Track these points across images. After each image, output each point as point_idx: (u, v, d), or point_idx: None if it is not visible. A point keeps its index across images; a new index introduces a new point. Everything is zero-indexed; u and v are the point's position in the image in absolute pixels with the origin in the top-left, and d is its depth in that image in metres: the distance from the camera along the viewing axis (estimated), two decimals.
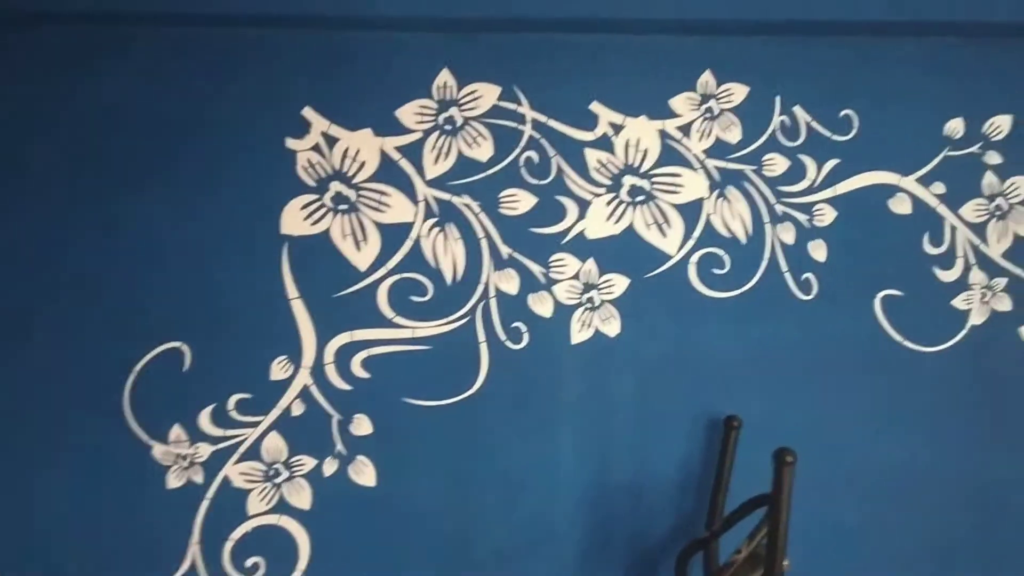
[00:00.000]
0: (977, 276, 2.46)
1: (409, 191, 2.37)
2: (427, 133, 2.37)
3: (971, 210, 2.46)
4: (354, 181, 2.36)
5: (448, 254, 2.36)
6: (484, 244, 2.37)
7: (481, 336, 2.36)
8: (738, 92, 2.43)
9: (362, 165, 2.36)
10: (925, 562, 2.45)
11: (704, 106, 2.42)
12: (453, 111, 2.38)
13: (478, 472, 2.38)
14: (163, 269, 2.31)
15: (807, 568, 2.34)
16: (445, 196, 2.37)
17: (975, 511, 2.48)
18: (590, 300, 2.39)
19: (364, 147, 2.36)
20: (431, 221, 2.36)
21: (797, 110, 2.44)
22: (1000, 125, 2.46)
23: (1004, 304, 2.47)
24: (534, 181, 2.38)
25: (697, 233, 2.42)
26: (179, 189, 2.33)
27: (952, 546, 2.46)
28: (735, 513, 2.14)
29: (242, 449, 2.32)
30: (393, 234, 2.35)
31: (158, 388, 2.29)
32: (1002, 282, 2.47)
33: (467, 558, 2.37)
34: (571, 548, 2.38)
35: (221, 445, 2.32)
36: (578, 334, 2.39)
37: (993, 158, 2.46)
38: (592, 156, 2.40)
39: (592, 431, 2.40)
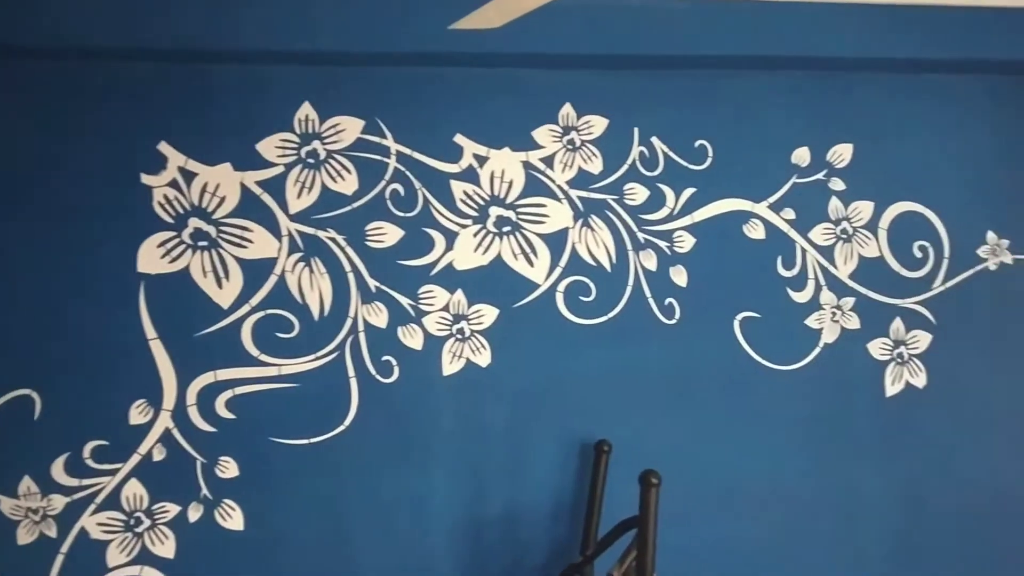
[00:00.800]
0: (827, 296, 2.62)
1: (272, 226, 2.36)
2: (289, 167, 2.37)
3: (819, 234, 2.62)
4: (214, 217, 2.34)
5: (314, 289, 2.36)
6: (351, 278, 2.38)
7: (351, 371, 2.37)
8: (598, 124, 2.53)
9: (222, 200, 2.34)
10: (793, 571, 2.56)
11: (566, 138, 2.51)
12: (316, 144, 2.39)
13: (351, 509, 2.38)
14: (13, 310, 2.22)
15: None
16: (310, 230, 2.37)
17: (836, 519, 2.62)
18: (460, 331, 2.42)
19: (224, 182, 2.34)
20: (296, 256, 2.36)
21: (655, 141, 2.55)
22: (842, 153, 2.64)
23: (853, 322, 2.63)
24: (400, 213, 2.41)
25: (563, 262, 2.49)
26: (30, 225, 2.25)
27: (815, 553, 2.59)
28: (607, 537, 2.20)
29: (99, 499, 2.26)
30: (256, 270, 2.34)
31: (6, 439, 2.19)
32: (850, 301, 2.63)
33: None
34: None
35: (76, 495, 2.25)
36: (449, 365, 2.42)
37: (837, 184, 2.63)
38: (458, 188, 2.45)
39: (465, 462, 2.43)
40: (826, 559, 2.58)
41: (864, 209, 2.62)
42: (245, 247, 2.32)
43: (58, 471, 2.22)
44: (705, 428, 2.53)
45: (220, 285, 2.30)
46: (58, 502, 2.22)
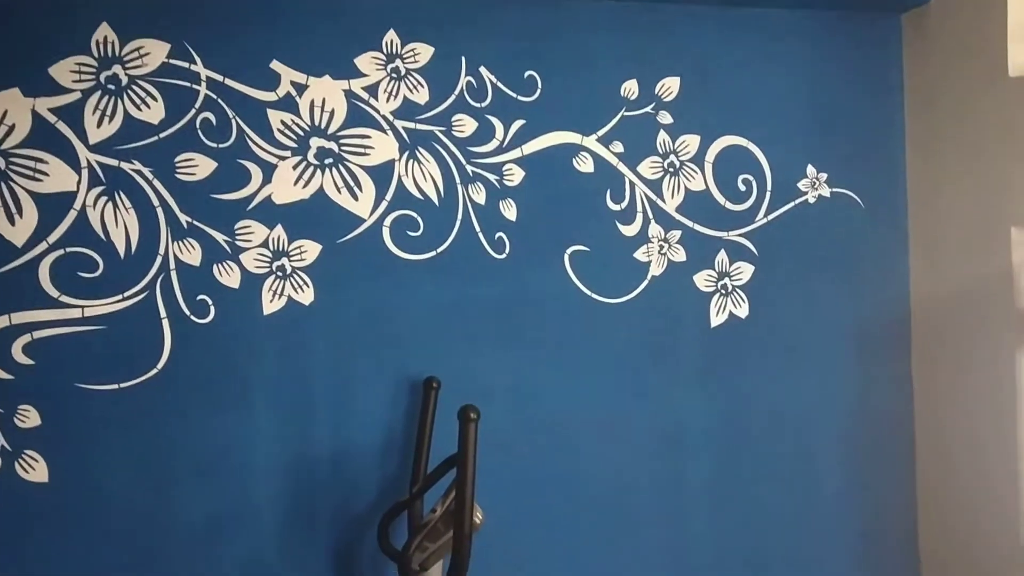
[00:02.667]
0: (655, 229, 2.72)
1: (70, 157, 2.25)
2: (87, 93, 2.26)
3: (647, 167, 2.71)
4: (2, 147, 2.20)
5: (119, 225, 2.27)
6: (160, 213, 2.30)
7: (162, 312, 2.31)
8: (423, 52, 2.51)
9: (11, 129, 2.21)
10: (623, 494, 2.72)
11: (390, 66, 2.48)
12: (116, 69, 2.28)
13: (168, 456, 2.33)
14: None
15: (510, 518, 2.51)
16: (112, 162, 2.27)
17: (663, 447, 2.76)
18: (281, 268, 2.39)
19: (12, 109, 2.21)
20: (97, 190, 2.26)
21: (483, 71, 2.56)
22: (670, 87, 2.72)
23: (679, 255, 2.75)
24: (213, 144, 2.34)
25: (389, 196, 2.48)
26: None
27: (642, 481, 2.73)
28: (432, 473, 2.25)
29: None
30: (53, 205, 2.23)
31: None
32: (677, 234, 2.74)
33: (164, 543, 2.33)
34: (274, 523, 2.41)
35: None
36: (270, 304, 2.39)
37: (665, 118, 2.72)
38: (275, 117, 2.39)
39: (290, 403, 2.42)
40: (652, 486, 2.72)
41: (691, 142, 2.72)
42: (39, 180, 2.21)
43: None
44: (535, 362, 2.60)
45: (12, 222, 2.19)
46: None
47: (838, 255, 2.83)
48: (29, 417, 2.19)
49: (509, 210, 2.54)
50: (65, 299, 2.21)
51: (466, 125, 2.50)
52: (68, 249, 2.21)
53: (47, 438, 2.21)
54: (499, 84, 2.53)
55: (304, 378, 2.39)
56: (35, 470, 2.20)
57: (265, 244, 2.35)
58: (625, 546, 2.67)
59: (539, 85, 2.57)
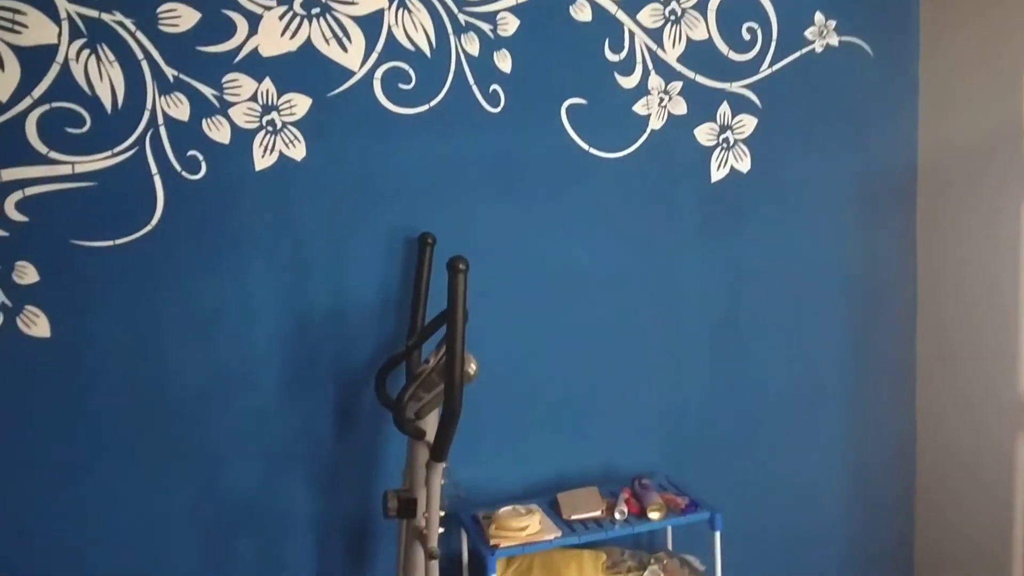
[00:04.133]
0: (655, 81, 2.68)
1: (48, 8, 2.21)
2: None
3: (647, 15, 2.65)
4: None
5: (104, 79, 2.26)
6: (145, 66, 2.29)
7: (153, 168, 2.32)
8: None
9: None
10: (619, 350, 2.80)
11: None
12: None
13: (165, 312, 2.38)
14: None
15: (505, 373, 2.60)
16: (92, 13, 2.24)
17: (661, 304, 2.80)
18: (271, 123, 2.39)
19: None
20: (79, 42, 2.24)
21: None
22: None
23: (680, 107, 2.72)
24: None
25: (380, 47, 2.45)
26: None
27: (639, 336, 2.79)
28: (427, 326, 2.30)
29: None
30: (35, 59, 2.21)
31: None
32: (678, 86, 2.71)
33: (164, 400, 2.40)
34: (273, 379, 2.48)
35: None
36: (261, 160, 2.40)
37: None
38: None
39: (284, 261, 2.45)
40: (649, 341, 2.77)
41: None
42: (19, 32, 2.19)
43: None
44: (532, 218, 2.61)
45: None
46: None
47: (845, 107, 2.80)
48: (27, 273, 2.24)
49: (503, 61, 2.51)
50: (54, 155, 2.22)
51: None
52: (53, 104, 2.21)
53: (46, 294, 2.26)
54: None
55: (299, 235, 2.42)
56: (36, 325, 2.26)
57: (254, 98, 2.34)
58: (618, 403, 2.74)
59: None
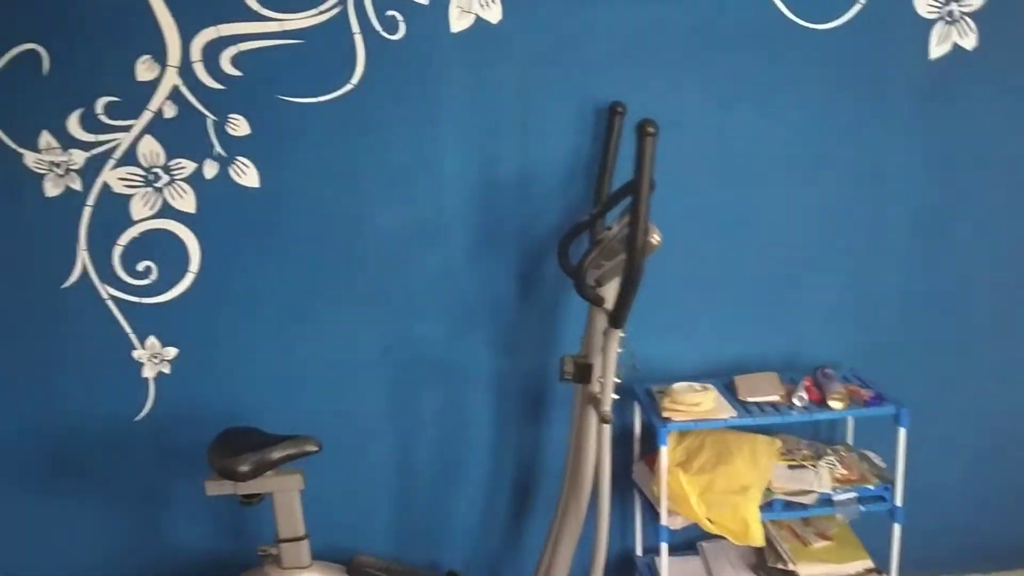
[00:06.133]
0: None
1: None
2: None
3: None
4: None
5: None
6: None
7: (355, 27, 2.41)
8: None
9: None
10: (812, 236, 2.72)
11: None
12: None
13: (362, 167, 2.51)
14: None
15: (689, 250, 2.61)
16: None
17: (863, 189, 2.68)
18: None
19: None
20: None
21: None
22: None
23: None
24: None
25: None
26: None
27: (835, 222, 2.72)
28: (614, 195, 2.30)
29: (117, 154, 2.42)
30: None
31: (19, 93, 2.35)
32: None
33: (358, 253, 2.55)
34: (461, 238, 2.58)
35: (95, 151, 2.41)
36: (457, 21, 2.44)
37: None
38: None
39: (477, 123, 2.51)
40: (846, 231, 2.70)
41: None
42: None
43: (74, 126, 2.37)
44: (728, 92, 2.54)
45: None
46: (78, 157, 2.39)
47: None
48: (239, 126, 2.41)
49: None
50: (265, 12, 2.34)
51: None
52: None
53: (256, 146, 2.42)
54: None
55: (491, 98, 2.46)
56: (247, 175, 2.43)
57: None
58: (806, 290, 2.66)
59: None
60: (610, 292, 2.17)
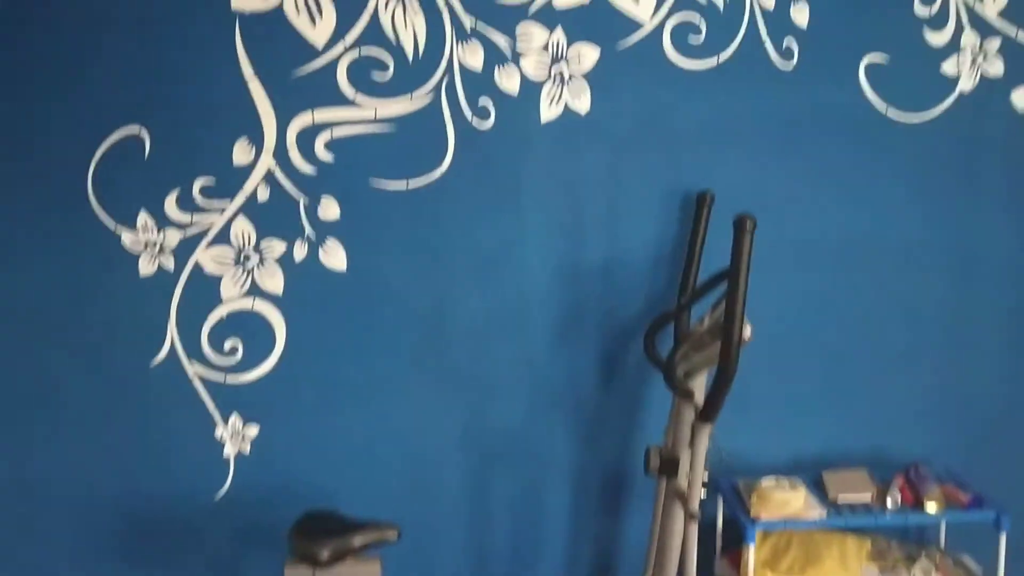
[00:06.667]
0: (969, 38, 2.49)
1: None
2: None
3: None
4: None
5: (408, 27, 2.41)
6: (446, 15, 2.41)
7: (447, 114, 2.45)
8: None
9: None
10: (902, 326, 2.65)
11: None
12: None
13: (449, 253, 2.52)
14: (112, 50, 2.37)
15: (777, 338, 2.52)
16: None
17: (952, 277, 2.62)
18: (559, 74, 2.45)
19: None
20: None
21: None
22: None
23: (996, 68, 2.51)
24: None
25: None
26: None
27: (926, 309, 2.67)
28: (703, 285, 2.28)
29: (211, 235, 2.47)
30: (349, 7, 2.39)
31: (121, 175, 2.41)
32: (996, 43, 2.50)
33: (441, 336, 2.56)
34: (544, 325, 2.56)
35: (189, 232, 2.47)
36: (547, 111, 2.47)
37: None
38: None
39: (564, 210, 2.52)
40: (938, 322, 2.64)
41: None
42: None
43: (171, 207, 2.43)
44: (818, 181, 2.53)
45: (314, 23, 2.37)
46: (173, 237, 2.44)
47: None
48: (330, 209, 2.44)
49: (800, 14, 2.43)
50: (360, 99, 2.39)
51: None
52: (363, 49, 2.36)
53: (345, 229, 2.45)
54: None
55: (578, 186, 2.48)
56: (335, 257, 2.46)
57: (544, 48, 2.39)
58: (900, 378, 2.59)
59: None
60: (699, 385, 2.13)
